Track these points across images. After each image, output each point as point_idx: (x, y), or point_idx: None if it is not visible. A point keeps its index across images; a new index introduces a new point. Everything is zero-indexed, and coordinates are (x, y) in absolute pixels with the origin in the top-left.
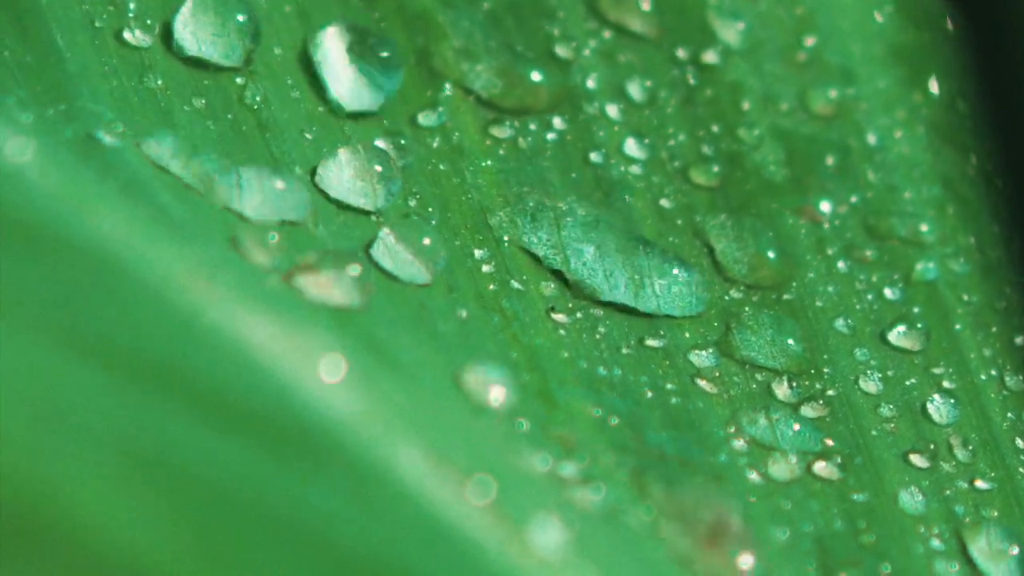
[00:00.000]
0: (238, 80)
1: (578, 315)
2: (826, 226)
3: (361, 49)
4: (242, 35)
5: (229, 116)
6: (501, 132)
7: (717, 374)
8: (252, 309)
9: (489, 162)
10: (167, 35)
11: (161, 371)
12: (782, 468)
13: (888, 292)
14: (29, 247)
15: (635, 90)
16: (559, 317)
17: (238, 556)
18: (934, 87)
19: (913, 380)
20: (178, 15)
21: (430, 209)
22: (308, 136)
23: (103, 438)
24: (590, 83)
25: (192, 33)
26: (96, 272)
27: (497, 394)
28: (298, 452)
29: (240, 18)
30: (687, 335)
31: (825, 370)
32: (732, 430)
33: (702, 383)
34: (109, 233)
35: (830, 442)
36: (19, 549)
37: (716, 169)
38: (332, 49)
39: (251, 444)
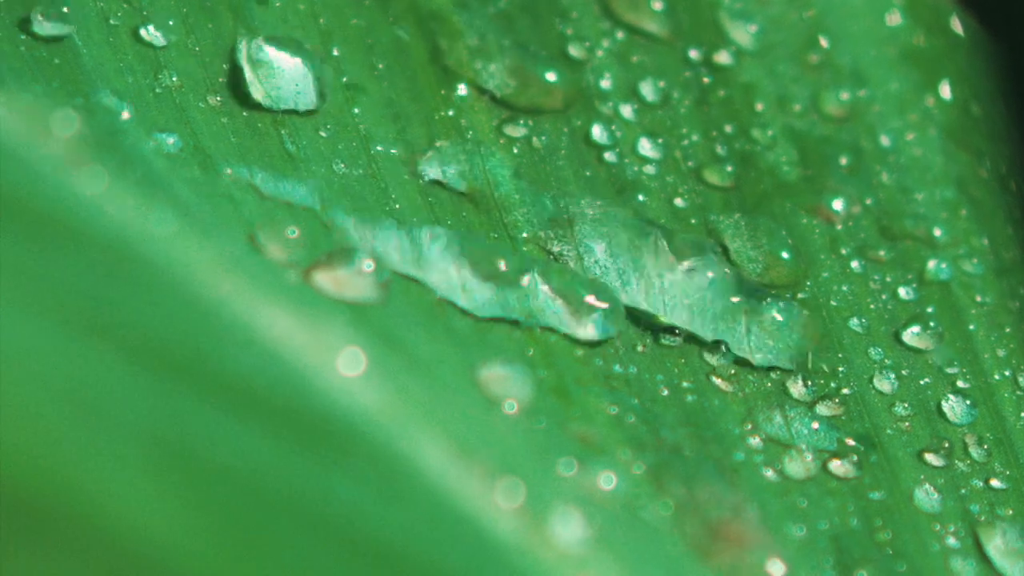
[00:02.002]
0: None
1: None
2: (839, 226)
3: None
4: None
5: (244, 113)
6: (515, 131)
7: (732, 372)
8: (271, 303)
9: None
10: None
11: (184, 361)
12: (798, 466)
13: (902, 292)
14: (49, 240)
15: (648, 90)
16: None
17: (262, 544)
18: (946, 91)
19: (927, 379)
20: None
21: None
22: (323, 134)
23: (126, 428)
24: (604, 83)
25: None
26: (115, 264)
27: (514, 390)
28: (321, 443)
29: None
30: None
31: (840, 369)
32: (748, 427)
33: (717, 381)
34: (127, 227)
35: (846, 441)
36: (44, 537)
37: (730, 169)
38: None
39: (275, 434)
